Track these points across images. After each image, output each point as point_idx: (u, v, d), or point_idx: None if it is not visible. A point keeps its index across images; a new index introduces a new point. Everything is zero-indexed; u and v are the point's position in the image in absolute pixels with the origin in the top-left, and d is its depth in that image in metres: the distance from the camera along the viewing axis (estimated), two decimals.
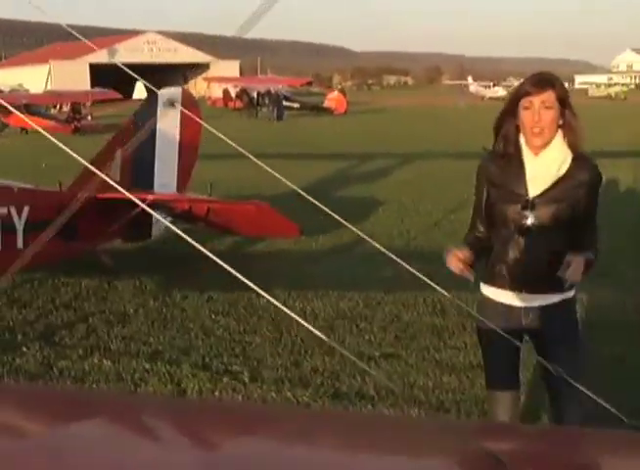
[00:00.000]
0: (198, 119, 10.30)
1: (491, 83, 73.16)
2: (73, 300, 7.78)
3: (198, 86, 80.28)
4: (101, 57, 67.95)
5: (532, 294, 3.61)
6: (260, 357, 6.12)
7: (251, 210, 8.56)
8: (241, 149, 5.15)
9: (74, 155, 3.04)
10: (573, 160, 3.54)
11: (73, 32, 4.11)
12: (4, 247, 7.19)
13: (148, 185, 9.51)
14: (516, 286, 3.62)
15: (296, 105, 47.84)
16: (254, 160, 3.84)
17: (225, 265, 2.79)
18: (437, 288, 4.08)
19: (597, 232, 3.66)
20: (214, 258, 2.73)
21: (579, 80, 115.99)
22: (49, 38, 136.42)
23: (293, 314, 2.89)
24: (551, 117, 3.49)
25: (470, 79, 77.85)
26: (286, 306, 7.55)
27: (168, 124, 9.69)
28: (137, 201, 4.95)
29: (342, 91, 54.43)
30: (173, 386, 5.51)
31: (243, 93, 48.82)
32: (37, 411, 2.03)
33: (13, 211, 7.36)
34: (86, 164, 3.90)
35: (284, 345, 6.40)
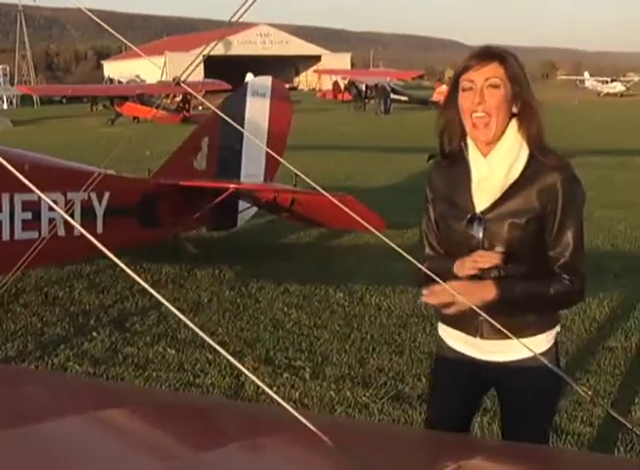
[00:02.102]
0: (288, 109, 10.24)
1: (609, 79, 70.31)
2: (151, 286, 7.75)
3: (309, 78, 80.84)
4: (214, 49, 69.24)
5: (490, 341, 2.75)
6: (326, 354, 5.93)
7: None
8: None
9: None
10: (532, 158, 2.66)
11: None
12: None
13: (235, 175, 9.47)
14: (469, 330, 2.79)
15: (404, 98, 47.52)
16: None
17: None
18: None
19: (580, 253, 2.69)
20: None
21: None
22: (166, 31, 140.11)
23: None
24: (498, 98, 2.60)
25: (586, 74, 75.17)
26: (361, 302, 7.39)
27: (257, 114, 9.61)
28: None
29: None
30: (232, 379, 5.37)
31: (351, 85, 48.82)
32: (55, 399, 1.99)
33: (93, 196, 7.40)
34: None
35: (352, 341, 6.20)
